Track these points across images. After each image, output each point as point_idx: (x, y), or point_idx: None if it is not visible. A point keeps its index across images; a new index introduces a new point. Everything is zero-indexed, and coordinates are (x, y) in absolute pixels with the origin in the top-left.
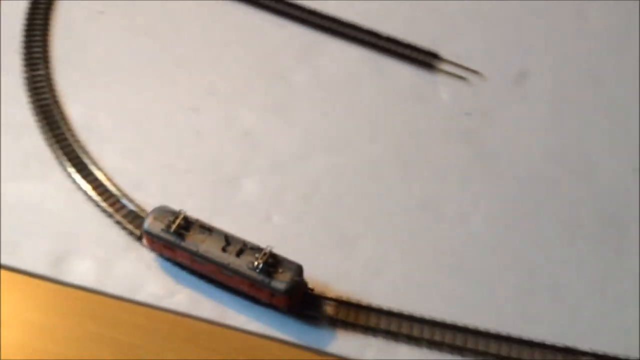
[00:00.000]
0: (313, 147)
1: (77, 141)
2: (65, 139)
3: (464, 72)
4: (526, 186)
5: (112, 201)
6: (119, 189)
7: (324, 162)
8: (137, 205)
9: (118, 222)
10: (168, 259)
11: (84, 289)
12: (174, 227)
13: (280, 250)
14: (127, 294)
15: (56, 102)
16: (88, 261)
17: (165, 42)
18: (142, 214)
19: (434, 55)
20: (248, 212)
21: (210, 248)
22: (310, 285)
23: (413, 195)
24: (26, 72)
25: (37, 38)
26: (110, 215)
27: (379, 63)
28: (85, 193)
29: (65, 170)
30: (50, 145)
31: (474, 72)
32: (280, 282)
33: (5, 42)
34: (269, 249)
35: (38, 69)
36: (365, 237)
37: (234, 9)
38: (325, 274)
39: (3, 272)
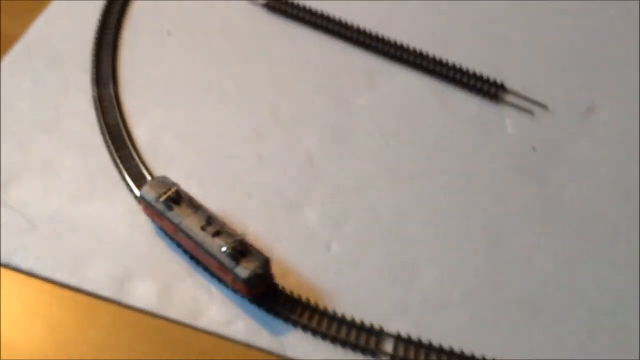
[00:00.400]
0: (375, 176)
1: (143, 161)
2: (132, 159)
3: (530, 105)
4: (593, 225)
5: None
6: None
7: (386, 191)
8: None
9: (180, 245)
10: (160, 229)
11: (146, 312)
12: (163, 197)
13: (339, 280)
14: (187, 319)
15: (123, 122)
16: (150, 284)
17: (231, 64)
18: None
19: (500, 87)
20: (308, 240)
21: (191, 224)
22: (367, 318)
23: (476, 230)
24: (94, 90)
25: (106, 57)
26: (172, 238)
27: (444, 92)
28: None
29: (130, 190)
30: (117, 165)
31: (541, 105)
32: (244, 269)
33: (75, 60)
34: (241, 236)
35: (106, 88)
36: (426, 271)
37: (300, 33)
38: (385, 308)
39: (67, 291)
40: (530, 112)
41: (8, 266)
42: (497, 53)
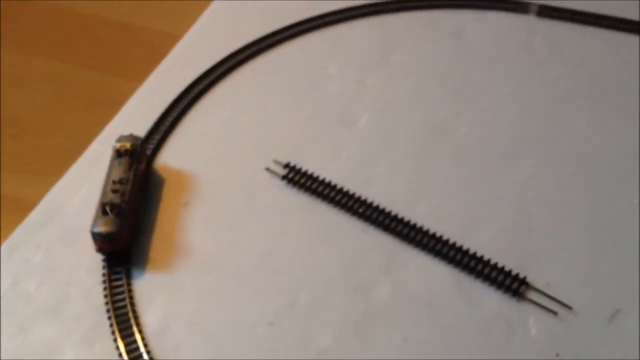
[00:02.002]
0: None
1: (149, 351)
2: (137, 349)
3: (554, 304)
4: None
5: None
6: None
7: None
8: None
9: None
10: None
11: None
12: (117, 147)
13: None
14: None
15: (132, 305)
16: None
17: (248, 241)
18: None
19: (523, 282)
20: None
21: (112, 174)
22: None
23: None
24: (105, 270)
25: None
26: None
27: (465, 283)
28: None
29: None
30: (120, 355)
31: (566, 305)
32: (97, 224)
33: (89, 235)
34: (121, 202)
35: (119, 271)
36: None
37: (319, 208)
38: None
39: None
40: (554, 312)
41: None
42: (522, 245)
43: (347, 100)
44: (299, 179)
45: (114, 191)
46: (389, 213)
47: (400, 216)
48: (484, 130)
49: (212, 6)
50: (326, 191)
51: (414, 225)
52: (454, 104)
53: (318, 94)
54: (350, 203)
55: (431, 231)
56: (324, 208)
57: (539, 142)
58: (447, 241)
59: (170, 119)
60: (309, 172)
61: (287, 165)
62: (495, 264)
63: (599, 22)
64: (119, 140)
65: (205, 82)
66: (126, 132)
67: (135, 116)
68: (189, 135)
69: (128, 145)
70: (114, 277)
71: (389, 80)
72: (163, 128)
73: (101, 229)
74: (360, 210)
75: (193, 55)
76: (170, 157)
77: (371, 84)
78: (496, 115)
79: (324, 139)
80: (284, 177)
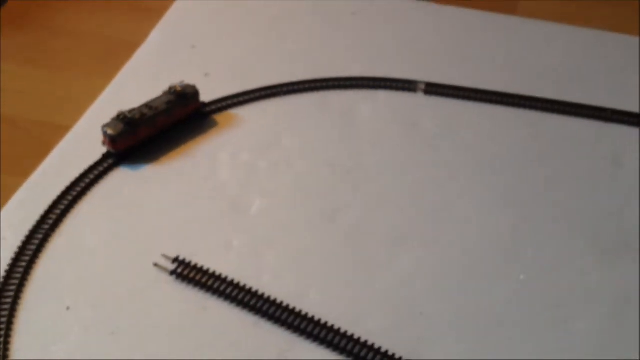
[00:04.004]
0: None
1: None
2: None
3: None
4: None
5: None
6: None
7: None
8: None
9: None
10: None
11: None
12: (172, 84)
13: None
14: None
15: None
16: None
17: (134, 345)
18: None
19: None
20: None
21: (153, 101)
22: None
23: None
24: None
25: None
26: None
27: None
28: None
29: None
30: None
31: None
32: (108, 125)
33: None
34: (131, 116)
35: None
36: None
37: (209, 303)
38: None
39: None
40: None
41: None
42: (413, 330)
43: (238, 186)
44: (188, 273)
45: (139, 110)
46: (280, 304)
47: (291, 307)
48: (373, 215)
49: (101, 97)
50: (217, 284)
51: (305, 316)
52: (343, 188)
53: (208, 181)
54: (241, 296)
55: (322, 321)
56: (215, 303)
57: (428, 225)
58: (338, 330)
59: (55, 214)
60: (199, 266)
61: (176, 260)
62: (386, 352)
63: (483, 97)
64: (180, 82)
65: (91, 177)
66: (7, 235)
67: (17, 215)
68: (75, 231)
69: (179, 88)
70: None
71: (281, 164)
72: (46, 226)
73: (107, 129)
74: (252, 303)
75: (80, 148)
76: (54, 258)
77: (263, 169)
78: (385, 199)
79: (216, 229)
80: (173, 272)
